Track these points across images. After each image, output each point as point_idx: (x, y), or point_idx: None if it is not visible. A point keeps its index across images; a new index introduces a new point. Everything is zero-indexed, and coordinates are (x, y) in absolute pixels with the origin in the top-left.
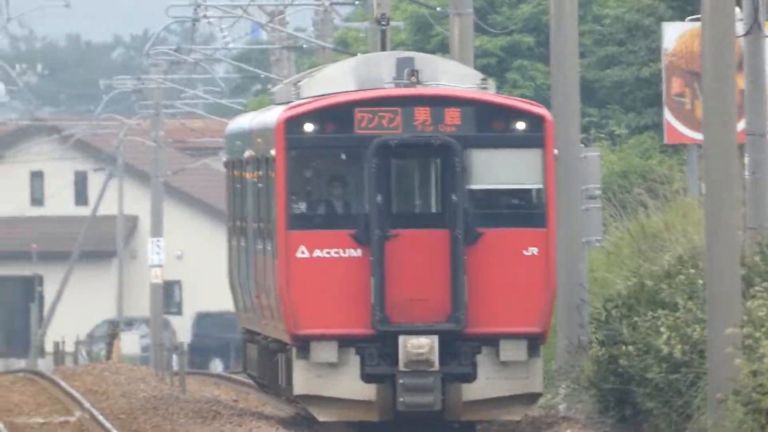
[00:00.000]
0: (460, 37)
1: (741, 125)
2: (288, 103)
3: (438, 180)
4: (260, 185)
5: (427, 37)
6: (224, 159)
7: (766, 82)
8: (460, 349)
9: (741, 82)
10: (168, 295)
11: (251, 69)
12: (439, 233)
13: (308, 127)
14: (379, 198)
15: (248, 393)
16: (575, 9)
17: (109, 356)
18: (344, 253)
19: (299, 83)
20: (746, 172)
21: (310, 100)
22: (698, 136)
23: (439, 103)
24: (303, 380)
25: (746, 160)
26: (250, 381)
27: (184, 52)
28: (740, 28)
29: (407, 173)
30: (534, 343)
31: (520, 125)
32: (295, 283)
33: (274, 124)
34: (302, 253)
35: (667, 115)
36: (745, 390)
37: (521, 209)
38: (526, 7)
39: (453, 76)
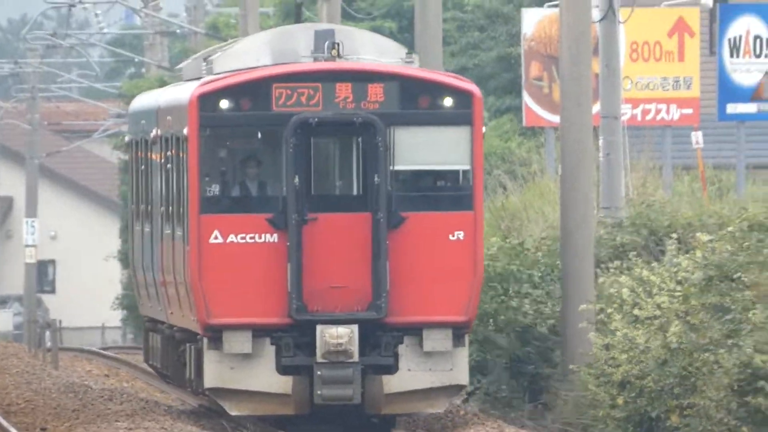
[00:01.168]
0: (328, 21)
1: (596, 108)
2: (198, 79)
3: (360, 160)
4: (169, 166)
5: (295, 23)
6: (126, 139)
7: (620, 66)
8: (381, 339)
9: (596, 66)
10: (42, 274)
11: (125, 53)
12: (361, 217)
13: (223, 104)
14: (296, 180)
15: (119, 368)
16: None
17: None
18: (260, 238)
19: (211, 58)
20: (600, 154)
21: (225, 75)
22: (555, 119)
23: (362, 78)
24: (214, 372)
25: (600, 142)
26: (118, 356)
27: (60, 36)
28: (596, 14)
29: (327, 153)
30: (459, 332)
31: (448, 102)
32: (208, 270)
33: (187, 100)
34: (215, 238)
35: (526, 99)
36: (597, 363)
37: (447, 191)
38: None
39: (375, 50)
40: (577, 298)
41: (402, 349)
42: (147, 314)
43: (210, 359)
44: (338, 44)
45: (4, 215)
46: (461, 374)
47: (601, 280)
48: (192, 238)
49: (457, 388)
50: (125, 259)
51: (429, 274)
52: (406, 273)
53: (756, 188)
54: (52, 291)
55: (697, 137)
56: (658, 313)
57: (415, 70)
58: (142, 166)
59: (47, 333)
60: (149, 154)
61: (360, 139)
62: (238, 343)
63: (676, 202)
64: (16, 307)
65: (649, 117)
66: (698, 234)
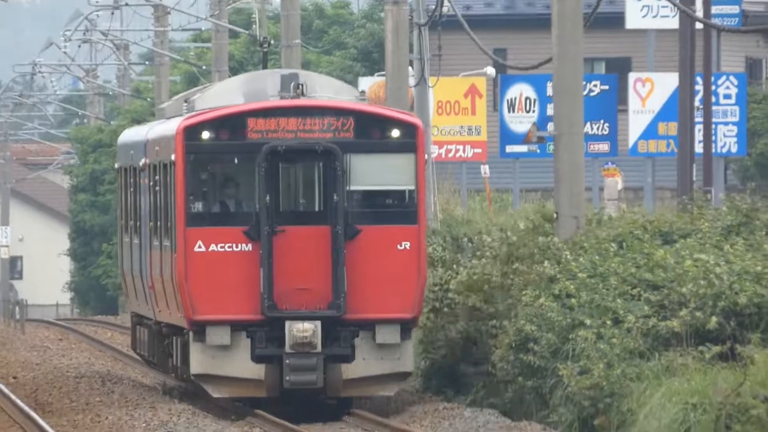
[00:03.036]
0: (286, 65)
1: None
2: (180, 116)
3: (321, 182)
4: (157, 188)
5: (195, 87)
6: (116, 165)
7: (430, 118)
8: (340, 333)
9: None
10: (13, 266)
11: (72, 108)
12: (322, 229)
13: (205, 135)
14: (267, 198)
15: (69, 335)
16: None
17: None
18: (237, 247)
19: (192, 98)
20: None
21: (206, 111)
22: None
23: (323, 113)
24: (199, 361)
25: None
26: (69, 326)
27: (25, 96)
28: (412, 81)
29: (293, 176)
30: (406, 327)
31: (395, 132)
32: (193, 274)
33: (174, 132)
34: (199, 247)
35: None
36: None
37: (396, 208)
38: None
39: (333, 90)
40: None
41: (358, 341)
42: (134, 311)
43: (195, 350)
44: (302, 85)
45: None
46: (408, 362)
47: None
48: (179, 247)
49: (405, 375)
50: (74, 254)
51: (380, 278)
52: (361, 277)
53: (527, 205)
54: (21, 278)
55: (485, 169)
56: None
57: (367, 106)
58: (131, 189)
59: (17, 308)
60: (138, 178)
61: (321, 164)
62: (219, 336)
63: (470, 216)
64: None
65: (450, 155)
66: (484, 237)
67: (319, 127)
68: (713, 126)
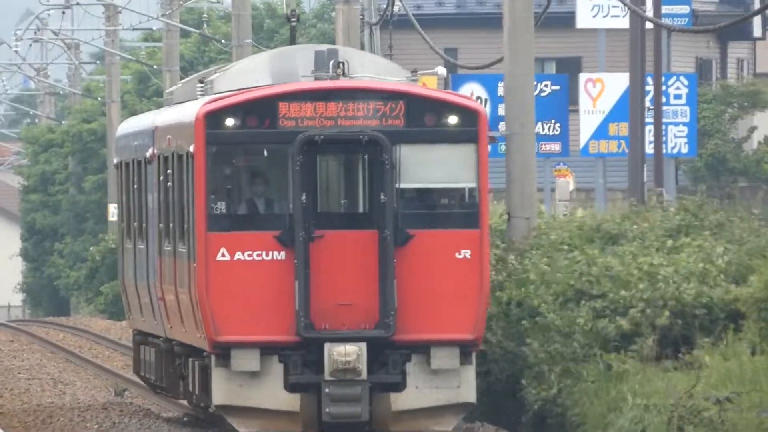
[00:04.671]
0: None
1: None
2: (192, 100)
3: (366, 178)
4: (169, 184)
5: (146, 86)
6: (115, 161)
7: None
8: (389, 357)
9: None
10: None
11: (23, 108)
12: (367, 234)
13: (229, 122)
14: (303, 197)
15: (21, 336)
16: None
17: None
18: (267, 255)
19: (209, 79)
20: None
21: (230, 93)
22: None
23: (368, 96)
24: (223, 390)
25: None
26: (20, 327)
27: None
28: None
29: (333, 171)
30: (466, 350)
31: (453, 119)
32: (215, 288)
33: (192, 119)
34: (223, 255)
35: None
36: None
37: (454, 209)
38: (214, 66)
39: (378, 70)
40: None
41: (410, 367)
42: (138, 328)
43: (218, 376)
44: (343, 63)
45: None
46: (469, 392)
47: None
48: (199, 255)
49: (465, 406)
50: (26, 254)
51: (436, 292)
52: (413, 291)
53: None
54: None
55: None
56: None
57: (420, 88)
58: (135, 186)
59: None
60: (144, 174)
61: (366, 157)
62: (246, 360)
63: None
64: None
65: None
66: None
67: (364, 113)
68: (664, 126)
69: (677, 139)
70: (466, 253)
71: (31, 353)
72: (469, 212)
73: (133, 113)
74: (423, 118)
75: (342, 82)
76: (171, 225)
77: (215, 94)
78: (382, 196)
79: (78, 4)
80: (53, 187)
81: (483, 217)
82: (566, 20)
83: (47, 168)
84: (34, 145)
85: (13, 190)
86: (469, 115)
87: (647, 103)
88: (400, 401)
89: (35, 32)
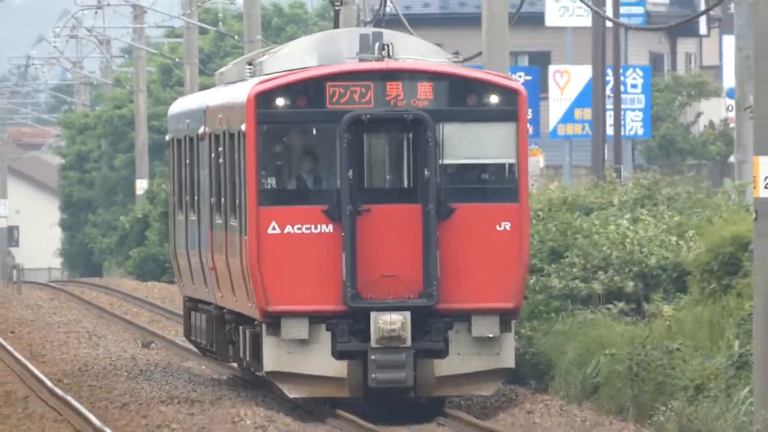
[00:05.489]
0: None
1: None
2: (242, 81)
3: (410, 155)
4: (221, 161)
5: (169, 77)
6: (167, 138)
7: None
8: (432, 325)
9: None
10: (10, 234)
11: (61, 96)
12: (412, 208)
13: (279, 102)
14: (350, 173)
15: (60, 295)
16: None
17: None
18: (315, 229)
19: (258, 60)
20: None
21: (278, 75)
22: None
23: (412, 77)
24: (273, 357)
25: None
26: (60, 287)
27: (20, 86)
28: None
29: (379, 148)
30: (506, 318)
31: (494, 99)
32: (266, 260)
33: (244, 98)
34: (273, 229)
35: None
36: None
37: (494, 184)
38: (230, 59)
39: (421, 51)
40: None
41: (452, 334)
42: (189, 294)
43: (269, 344)
44: (388, 45)
45: None
46: (508, 358)
47: None
48: (251, 229)
49: (505, 372)
50: (64, 224)
51: (477, 263)
52: (455, 262)
53: None
54: (17, 246)
55: None
56: None
57: (462, 69)
58: (187, 161)
59: (14, 272)
60: (195, 150)
61: (410, 135)
62: (296, 329)
63: None
64: None
65: None
66: None
67: (409, 93)
68: (622, 112)
69: (634, 123)
70: (506, 226)
71: (69, 310)
72: (509, 187)
73: (158, 101)
74: (466, 98)
75: (388, 64)
76: (222, 199)
77: (264, 75)
78: (425, 172)
79: (109, 4)
80: (88, 164)
81: (522, 191)
82: (537, 19)
83: (83, 148)
84: (71, 129)
85: (53, 168)
86: (509, 94)
87: (608, 92)
88: (443, 367)
89: (71, 29)
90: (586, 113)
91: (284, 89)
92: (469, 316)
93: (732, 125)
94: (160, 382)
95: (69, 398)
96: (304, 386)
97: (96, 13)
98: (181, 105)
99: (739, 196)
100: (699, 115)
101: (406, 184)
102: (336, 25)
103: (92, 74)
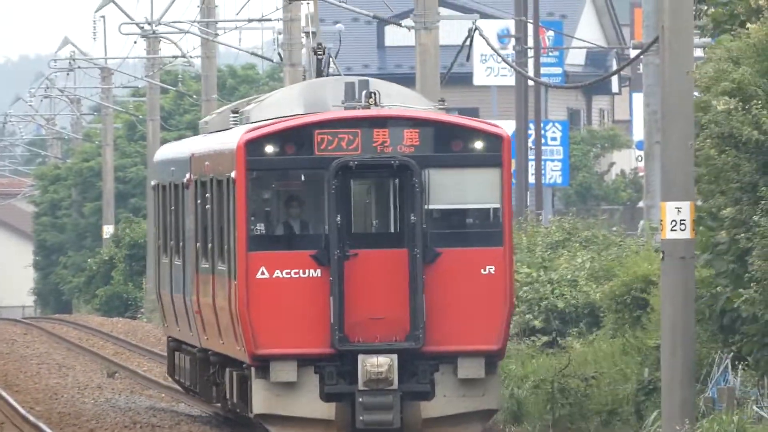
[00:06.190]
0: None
1: None
2: (225, 130)
3: (396, 200)
4: (207, 206)
5: (134, 132)
6: (153, 183)
7: None
8: (419, 367)
9: None
10: None
11: (36, 149)
12: (398, 253)
13: (269, 149)
14: (338, 218)
15: (32, 330)
16: None
17: None
18: (304, 273)
19: (244, 109)
20: None
21: (267, 122)
22: None
23: (398, 123)
24: (262, 399)
25: None
26: (32, 323)
27: None
28: None
29: (366, 194)
30: (491, 360)
31: (478, 145)
32: (256, 304)
33: (234, 146)
34: (262, 274)
35: None
36: None
37: (479, 228)
38: (188, 116)
39: (405, 99)
40: None
41: (438, 376)
42: (173, 335)
43: (258, 387)
44: (375, 93)
45: None
46: (493, 400)
47: None
48: (240, 273)
49: (490, 413)
50: (37, 265)
51: (463, 306)
52: (441, 305)
53: None
54: None
55: None
56: None
57: (447, 116)
58: (172, 207)
59: None
60: (180, 196)
61: (397, 181)
62: (285, 372)
63: None
64: None
65: None
66: None
67: (395, 140)
68: (543, 162)
69: (553, 172)
70: (491, 269)
71: (41, 343)
72: (493, 231)
73: (124, 154)
74: (450, 144)
75: (375, 111)
76: (209, 244)
77: (250, 123)
78: (412, 217)
79: (79, 67)
80: (60, 211)
81: (507, 235)
82: (466, 79)
83: (55, 197)
84: (44, 179)
85: (27, 215)
86: (494, 140)
87: (530, 144)
88: (429, 409)
89: (45, 90)
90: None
91: (273, 137)
92: (455, 358)
93: (641, 174)
94: (123, 409)
95: (41, 424)
96: (292, 428)
97: (68, 74)
98: (165, 152)
99: (649, 238)
100: (612, 164)
101: (392, 229)
102: (318, 74)
103: (64, 130)
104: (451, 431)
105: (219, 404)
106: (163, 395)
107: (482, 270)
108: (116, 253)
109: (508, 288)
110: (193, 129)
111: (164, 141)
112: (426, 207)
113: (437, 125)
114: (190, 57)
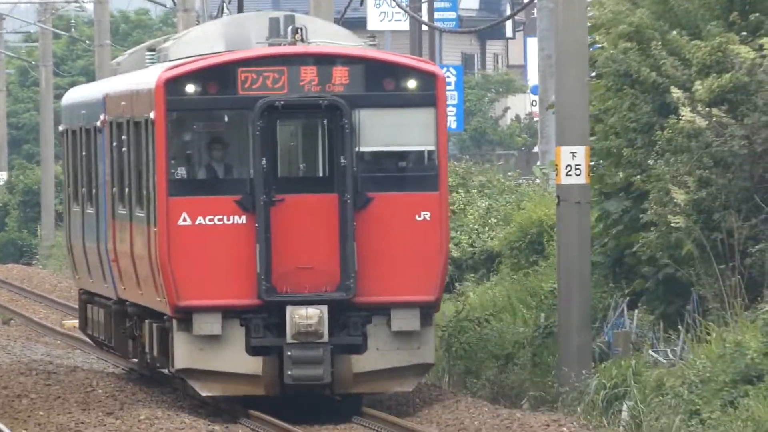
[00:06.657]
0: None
1: None
2: (141, 69)
3: (325, 142)
4: (124, 149)
5: (26, 78)
6: (61, 128)
7: None
8: (350, 319)
9: None
10: None
11: None
12: (328, 198)
13: (190, 88)
14: (264, 162)
15: None
16: None
17: None
18: (228, 220)
19: (162, 47)
20: None
21: (187, 60)
22: None
23: (327, 61)
24: (184, 353)
25: None
26: None
27: None
28: None
29: (293, 136)
30: (427, 311)
31: (412, 83)
32: (177, 252)
33: (152, 85)
34: (184, 220)
35: None
36: None
37: (413, 172)
38: (81, 61)
39: (335, 35)
40: None
41: (370, 328)
42: (85, 287)
43: (180, 340)
44: (301, 29)
45: None
46: (428, 353)
47: None
48: (160, 220)
49: (425, 367)
50: None
51: (396, 255)
52: (373, 253)
53: None
54: None
55: None
56: None
57: (379, 53)
58: (83, 152)
59: None
60: (93, 140)
61: (325, 122)
62: (208, 324)
63: None
64: None
65: None
66: None
67: (323, 79)
68: None
69: (449, 117)
70: (426, 215)
71: None
72: (428, 175)
73: (17, 100)
74: (382, 82)
75: (302, 48)
76: (126, 189)
77: (169, 61)
78: (342, 160)
79: None
80: None
81: (442, 179)
82: (360, 24)
83: None
84: None
85: None
86: (428, 78)
87: None
88: (362, 363)
89: None
90: None
91: (194, 75)
92: (389, 309)
93: (536, 119)
94: (19, 356)
95: None
96: (217, 384)
97: None
98: (75, 95)
99: (544, 183)
100: (506, 109)
101: (321, 173)
102: (240, 9)
103: None
104: (384, 385)
105: (136, 359)
106: (59, 342)
107: (417, 216)
108: (10, 199)
109: (443, 235)
110: (87, 75)
111: (57, 87)
112: (357, 149)
113: (368, 63)
114: (83, 2)
